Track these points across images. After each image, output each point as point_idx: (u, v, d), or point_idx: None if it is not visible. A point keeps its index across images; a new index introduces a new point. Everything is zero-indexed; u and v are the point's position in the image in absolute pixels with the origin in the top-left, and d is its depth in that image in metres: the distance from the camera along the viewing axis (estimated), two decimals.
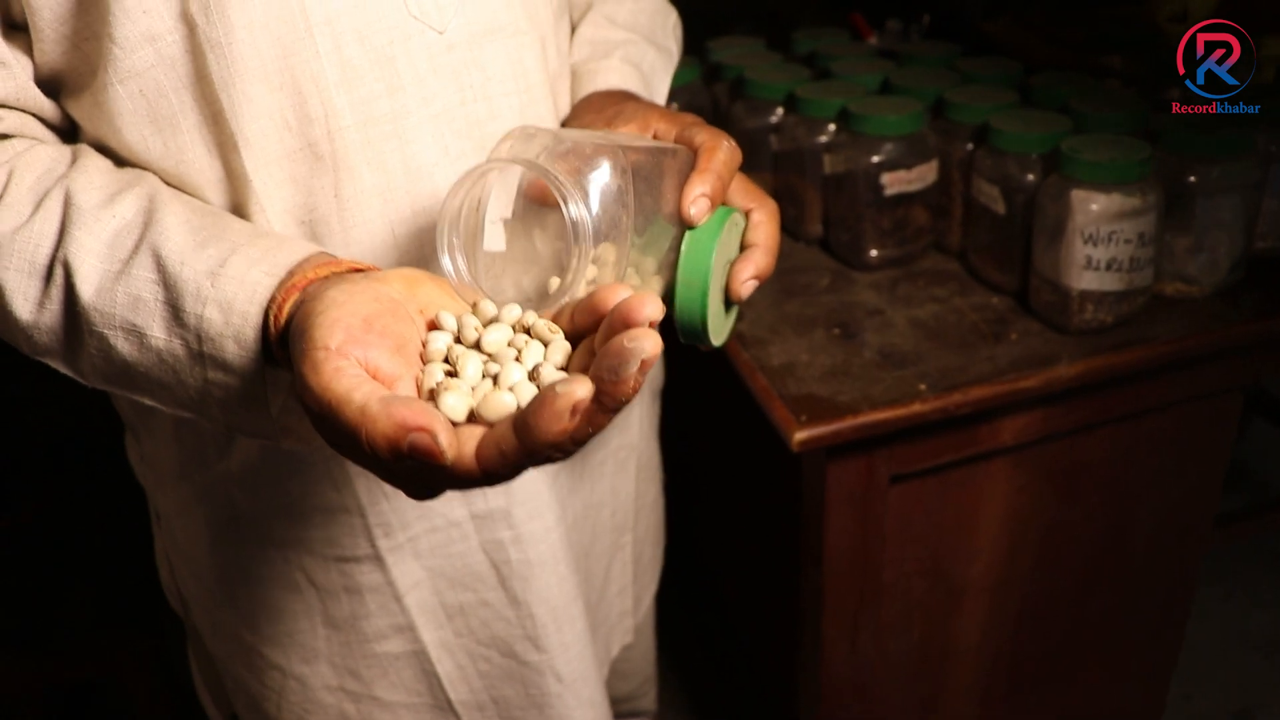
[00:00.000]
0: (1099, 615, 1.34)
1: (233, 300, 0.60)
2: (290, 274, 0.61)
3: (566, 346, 0.55)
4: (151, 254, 0.63)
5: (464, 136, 0.74)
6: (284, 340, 0.59)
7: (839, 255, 1.27)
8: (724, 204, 0.70)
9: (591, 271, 0.59)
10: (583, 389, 0.46)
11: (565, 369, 0.54)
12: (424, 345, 0.56)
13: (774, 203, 0.73)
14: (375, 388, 0.49)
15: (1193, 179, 1.08)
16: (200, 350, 0.62)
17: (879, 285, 1.21)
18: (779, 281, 1.23)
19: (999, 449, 1.11)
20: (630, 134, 0.72)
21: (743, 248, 0.72)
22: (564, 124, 0.81)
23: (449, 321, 0.57)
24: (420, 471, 0.49)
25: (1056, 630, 1.33)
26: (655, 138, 0.73)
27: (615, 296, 0.52)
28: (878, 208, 1.20)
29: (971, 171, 1.17)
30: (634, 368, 0.46)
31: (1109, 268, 1.04)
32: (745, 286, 0.70)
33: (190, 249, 0.62)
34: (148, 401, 0.68)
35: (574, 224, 0.57)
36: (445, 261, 0.59)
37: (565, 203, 0.57)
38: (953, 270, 1.23)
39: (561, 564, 0.91)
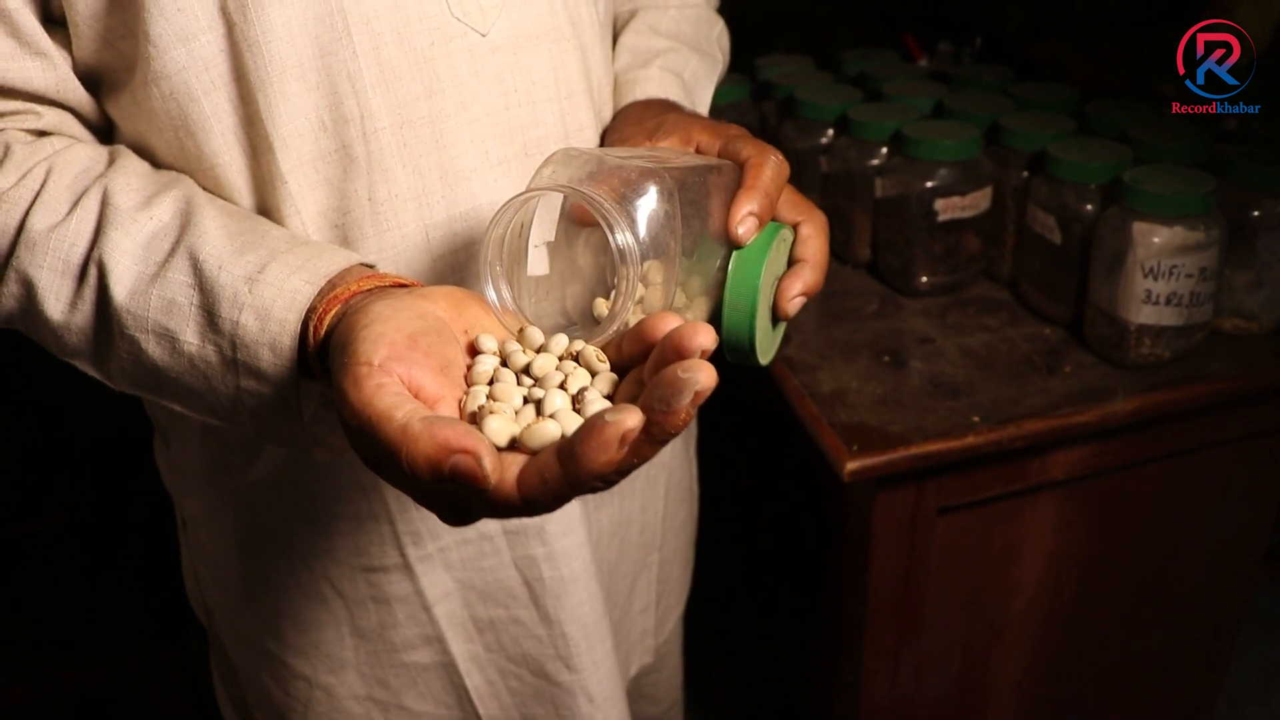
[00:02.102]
0: (1140, 653, 1.29)
1: (270, 307, 0.57)
2: (332, 284, 0.58)
3: (613, 377, 0.51)
4: (188, 257, 0.60)
5: (505, 141, 0.71)
6: (322, 352, 0.56)
7: (888, 280, 1.23)
8: (772, 218, 0.67)
9: (639, 291, 0.56)
10: (633, 418, 0.42)
11: (611, 399, 0.50)
12: (468, 368, 0.53)
13: (822, 215, 0.70)
14: (417, 407, 0.46)
15: (1256, 213, 1.03)
16: (234, 357, 0.59)
17: (928, 312, 1.17)
18: (826, 305, 1.19)
19: (1048, 482, 1.07)
20: (672, 148, 0.69)
21: (790, 262, 0.69)
22: (604, 133, 0.78)
23: (494, 345, 0.54)
24: (459, 495, 0.46)
25: (1097, 667, 1.28)
26: (698, 150, 0.69)
27: (665, 325, 0.48)
28: (929, 233, 1.16)
29: (1026, 199, 1.12)
30: (687, 399, 0.42)
31: (1169, 302, 0.99)
32: (793, 304, 0.67)
33: (228, 254, 0.59)
34: (177, 408, 0.65)
35: (621, 252, 0.53)
36: (490, 292, 0.56)
37: (612, 231, 0.53)
38: (1003, 299, 1.19)
39: (592, 580, 0.88)
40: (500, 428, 0.47)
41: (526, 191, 0.55)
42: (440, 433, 0.44)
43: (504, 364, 0.53)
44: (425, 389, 0.49)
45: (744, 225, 0.62)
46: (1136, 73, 1.39)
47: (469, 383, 0.52)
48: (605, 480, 0.44)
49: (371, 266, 0.63)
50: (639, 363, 0.50)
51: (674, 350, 0.45)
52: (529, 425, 0.46)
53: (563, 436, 0.46)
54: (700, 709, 1.65)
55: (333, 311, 0.56)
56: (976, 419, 0.98)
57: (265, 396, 0.59)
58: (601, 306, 0.63)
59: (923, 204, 1.14)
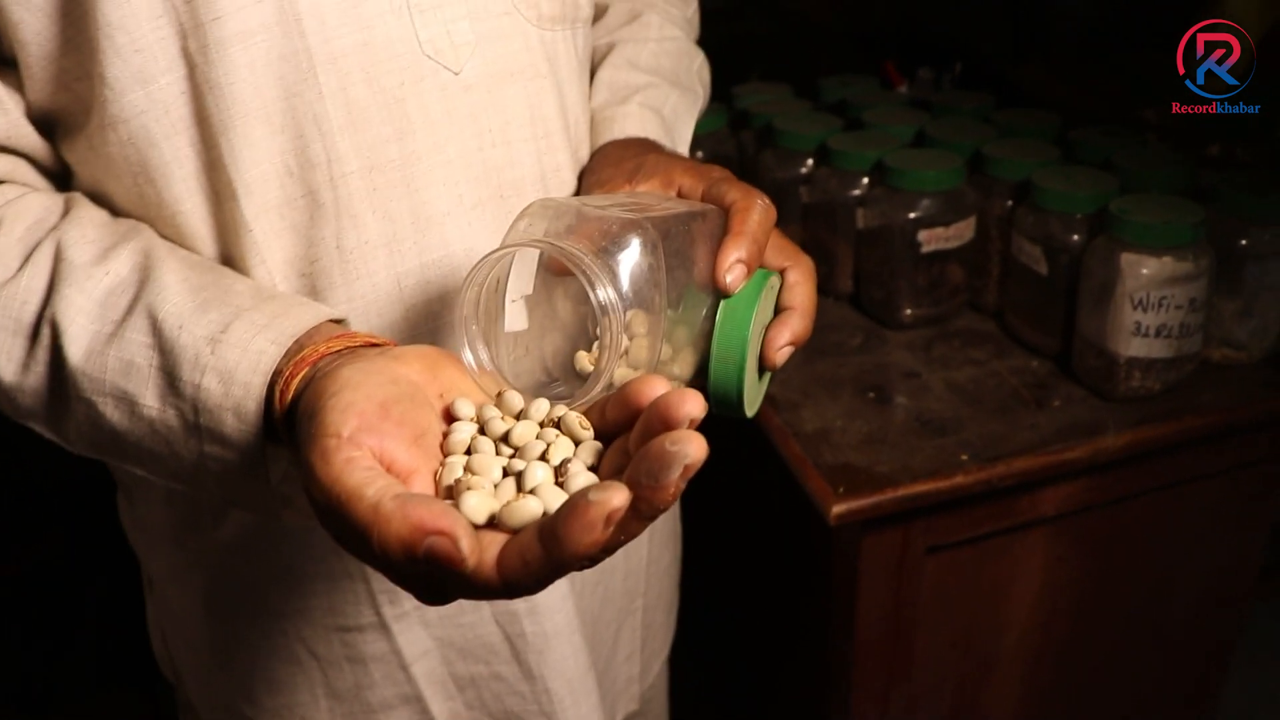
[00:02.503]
0: (1133, 685, 1.27)
1: (234, 370, 0.55)
2: (299, 345, 0.55)
3: (598, 446, 0.49)
4: (147, 316, 0.57)
5: (479, 184, 0.68)
6: (289, 418, 0.53)
7: (871, 313, 1.21)
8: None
9: (623, 346, 0.54)
10: (619, 497, 0.40)
11: (595, 469, 0.48)
12: (444, 435, 0.51)
13: (809, 260, 0.68)
14: (390, 483, 0.44)
15: (1244, 242, 1.02)
16: (196, 422, 0.56)
17: (913, 345, 1.15)
18: (809, 340, 1.17)
19: (1038, 519, 1.05)
20: (653, 193, 0.67)
21: (777, 309, 0.66)
22: (582, 174, 0.75)
23: (471, 411, 0.51)
24: (435, 577, 0.44)
25: (1089, 700, 1.26)
26: (680, 194, 0.67)
27: (651, 391, 0.46)
28: (913, 265, 1.14)
29: (1011, 229, 1.11)
30: (676, 473, 0.40)
31: (1158, 334, 0.98)
32: (781, 354, 0.65)
33: (189, 311, 0.57)
34: (139, 471, 0.63)
35: (604, 309, 0.51)
36: (467, 355, 0.53)
37: (593, 288, 0.51)
38: (989, 331, 1.17)
39: (576, 634, 0.85)
40: (478, 504, 0.44)
41: (502, 248, 0.52)
42: (414, 512, 0.41)
43: (482, 431, 0.51)
44: (398, 462, 0.47)
45: (732, 273, 0.60)
46: (1118, 97, 1.38)
47: (445, 452, 0.50)
48: (590, 560, 0.42)
49: (342, 322, 0.60)
50: (624, 429, 0.48)
51: (660, 420, 0.43)
52: (509, 503, 0.44)
53: (545, 514, 0.44)
54: None
55: (300, 375, 0.53)
56: (965, 457, 0.96)
57: (230, 462, 0.57)
58: (584, 361, 0.61)
59: (906, 235, 1.12)
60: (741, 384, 0.61)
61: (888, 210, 1.13)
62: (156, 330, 0.57)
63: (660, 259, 0.54)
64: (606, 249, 0.53)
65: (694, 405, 0.43)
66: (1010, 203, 1.13)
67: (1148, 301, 0.96)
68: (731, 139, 1.39)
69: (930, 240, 1.12)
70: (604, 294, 0.51)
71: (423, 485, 0.47)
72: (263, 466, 0.56)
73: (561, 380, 0.61)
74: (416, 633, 0.80)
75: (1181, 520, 1.14)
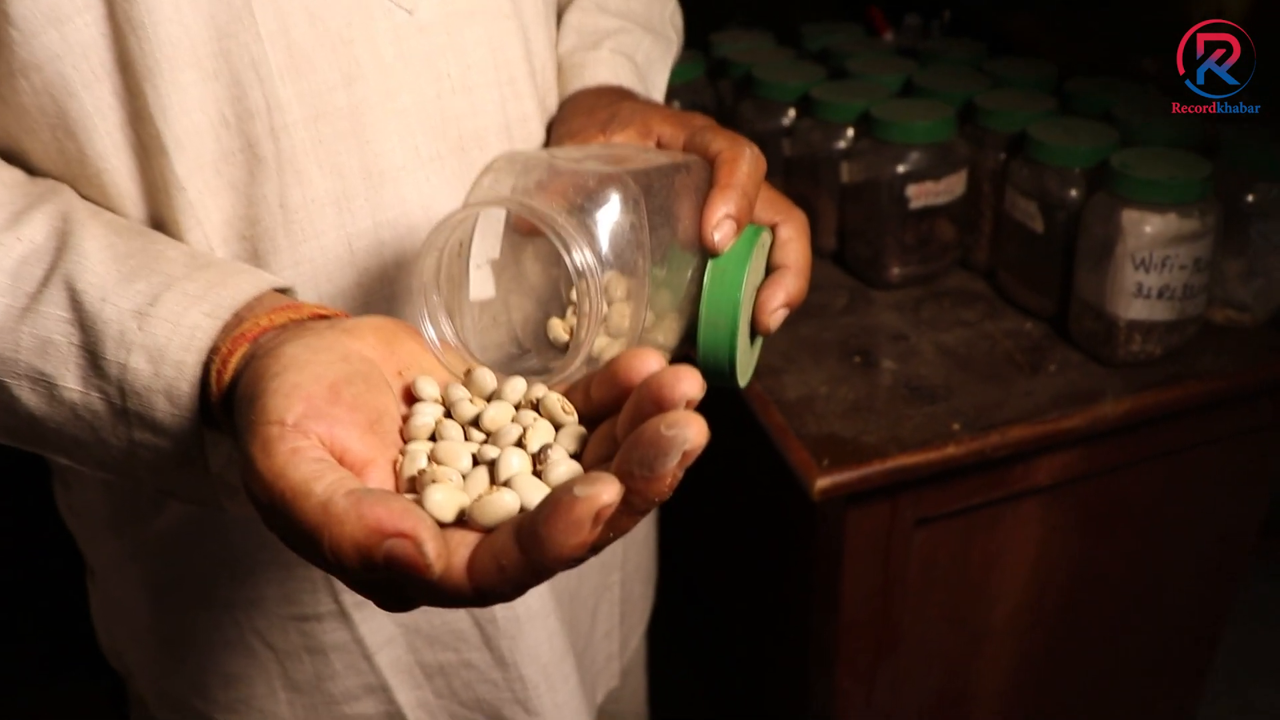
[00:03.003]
0: (1124, 655, 1.24)
1: (164, 347, 0.49)
2: (238, 318, 0.50)
3: (581, 430, 0.43)
4: (65, 287, 0.51)
5: (437, 135, 0.63)
6: (227, 402, 0.48)
7: (856, 272, 1.16)
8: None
9: (602, 312, 0.48)
10: (609, 491, 0.35)
11: (578, 456, 0.43)
12: (404, 419, 0.45)
13: (802, 214, 0.63)
14: (341, 477, 0.39)
15: (1251, 198, 0.97)
16: (124, 406, 0.50)
17: (901, 306, 1.10)
18: None
19: (1032, 489, 1.01)
20: (630, 144, 0.61)
21: (769, 268, 0.61)
22: (551, 126, 0.69)
23: (435, 391, 0.46)
24: (396, 583, 0.39)
25: (1079, 672, 1.23)
26: (659, 145, 0.61)
27: (642, 367, 0.41)
28: (901, 221, 1.09)
29: (1005, 184, 1.06)
30: (673, 461, 0.35)
31: (1160, 295, 0.93)
32: (775, 317, 0.59)
33: (113, 282, 0.50)
34: (63, 460, 0.57)
35: (581, 274, 0.46)
36: (428, 329, 0.48)
37: (569, 252, 0.46)
38: (980, 290, 1.12)
39: (551, 617, 0.81)
40: (445, 500, 0.39)
41: (465, 208, 0.47)
42: (370, 511, 0.36)
43: (448, 414, 0.46)
44: (351, 451, 0.41)
45: (720, 230, 0.54)
46: (1114, 47, 1.33)
47: (405, 439, 0.45)
48: (575, 563, 0.37)
49: (287, 291, 0.54)
50: (611, 411, 0.42)
51: (653, 400, 0.38)
52: (480, 497, 0.39)
53: (522, 510, 0.39)
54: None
55: (239, 352, 0.47)
56: (957, 426, 0.92)
57: (163, 450, 0.51)
58: (558, 329, 0.56)
59: (893, 190, 1.07)
60: (734, 351, 0.56)
61: (874, 164, 1.08)
62: (76, 303, 0.51)
63: (643, 216, 0.49)
64: (582, 207, 0.48)
65: (691, 384, 0.38)
66: (1003, 156, 1.08)
67: (1150, 261, 0.92)
68: (709, 89, 1.33)
69: (919, 195, 1.07)
70: (580, 257, 0.46)
71: (380, 478, 0.42)
72: (200, 455, 0.51)
73: (534, 352, 0.56)
74: (379, 620, 0.75)
75: (1178, 488, 1.10)
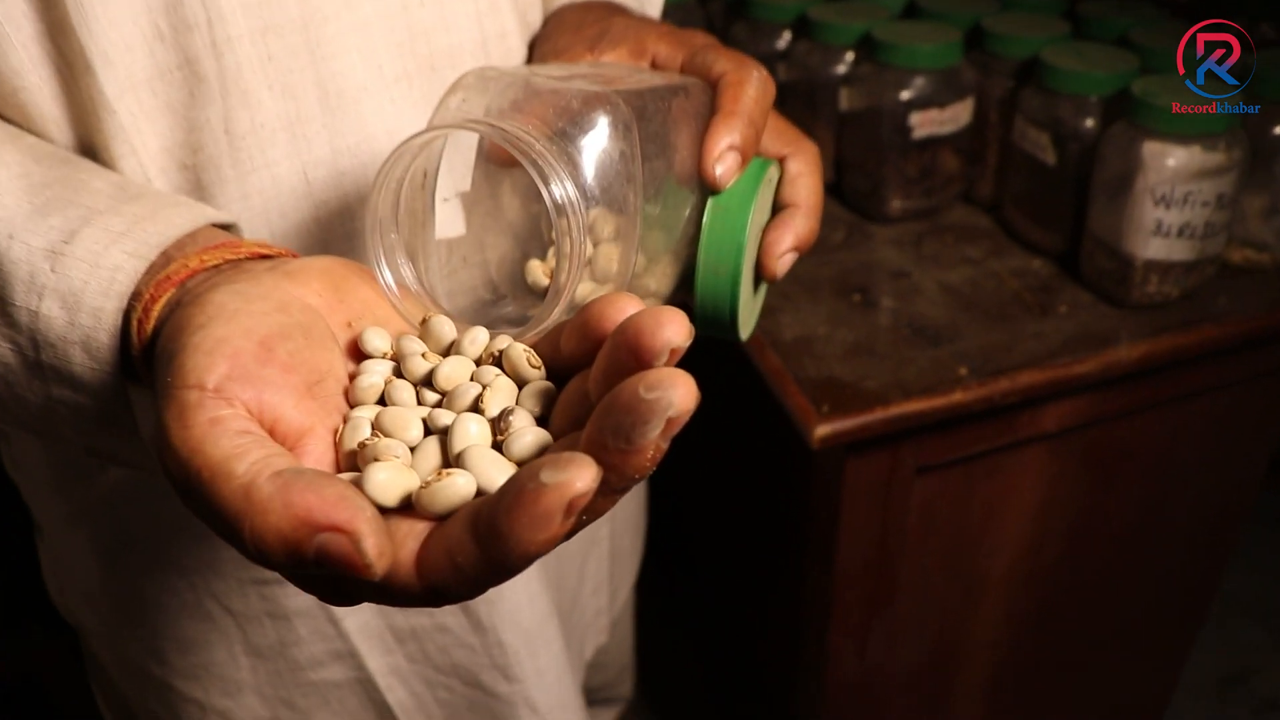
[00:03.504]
0: (1121, 602, 1.19)
1: (80, 292, 0.42)
2: (166, 258, 0.43)
3: (548, 388, 0.37)
4: None
5: (404, 52, 0.55)
6: (149, 358, 0.41)
7: (854, 205, 1.09)
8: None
9: (587, 255, 0.42)
10: (582, 477, 0.28)
11: (545, 420, 0.36)
12: (350, 378, 0.39)
13: (813, 146, 0.56)
14: (268, 454, 0.32)
15: (1278, 130, 0.90)
16: (37, 359, 0.44)
17: (901, 241, 1.03)
18: None
19: (1038, 435, 0.95)
20: (621, 63, 0.54)
21: (776, 206, 0.54)
22: (533, 44, 0.62)
23: (385, 344, 0.39)
24: (334, 580, 0.33)
25: (1076, 621, 1.18)
26: (654, 65, 0.54)
27: (618, 311, 0.34)
28: (902, 152, 1.02)
29: (1014, 113, 0.99)
30: (655, 430, 0.29)
31: (1180, 234, 0.87)
32: (782, 262, 0.53)
33: (24, 215, 0.43)
34: None
35: (559, 209, 0.39)
36: (385, 273, 0.41)
37: (546, 184, 0.39)
38: (984, 226, 1.05)
39: (533, 580, 0.75)
40: (388, 481, 0.33)
41: (427, 130, 0.40)
42: (299, 499, 0.30)
43: (399, 373, 0.39)
44: (284, 420, 0.35)
45: (723, 164, 0.48)
46: None
47: (351, 402, 0.38)
48: (541, 556, 0.30)
49: (230, 228, 0.47)
50: (585, 364, 0.36)
51: (630, 350, 0.31)
52: (429, 483, 0.32)
53: (479, 493, 0.33)
54: (648, 667, 1.53)
55: (162, 299, 0.41)
56: (963, 371, 0.85)
57: (84, 408, 0.44)
58: (537, 271, 0.49)
59: (896, 118, 1.00)
60: (736, 300, 0.49)
61: (875, 90, 1.00)
62: None
63: (634, 144, 0.42)
64: (564, 131, 0.41)
65: (675, 328, 0.31)
66: (1012, 83, 1.00)
67: (1171, 197, 0.85)
68: (699, 10, 1.25)
69: (923, 124, 1.00)
70: (560, 190, 0.39)
71: (319, 453, 0.36)
72: (126, 414, 0.44)
73: (510, 297, 0.50)
74: None
75: (1185, 435, 1.04)
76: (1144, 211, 0.86)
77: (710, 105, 0.50)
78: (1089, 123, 0.92)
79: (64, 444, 0.49)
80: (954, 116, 1.01)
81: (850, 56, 1.06)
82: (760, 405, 0.94)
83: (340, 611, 0.70)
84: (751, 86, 0.50)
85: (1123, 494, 1.06)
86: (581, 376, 0.35)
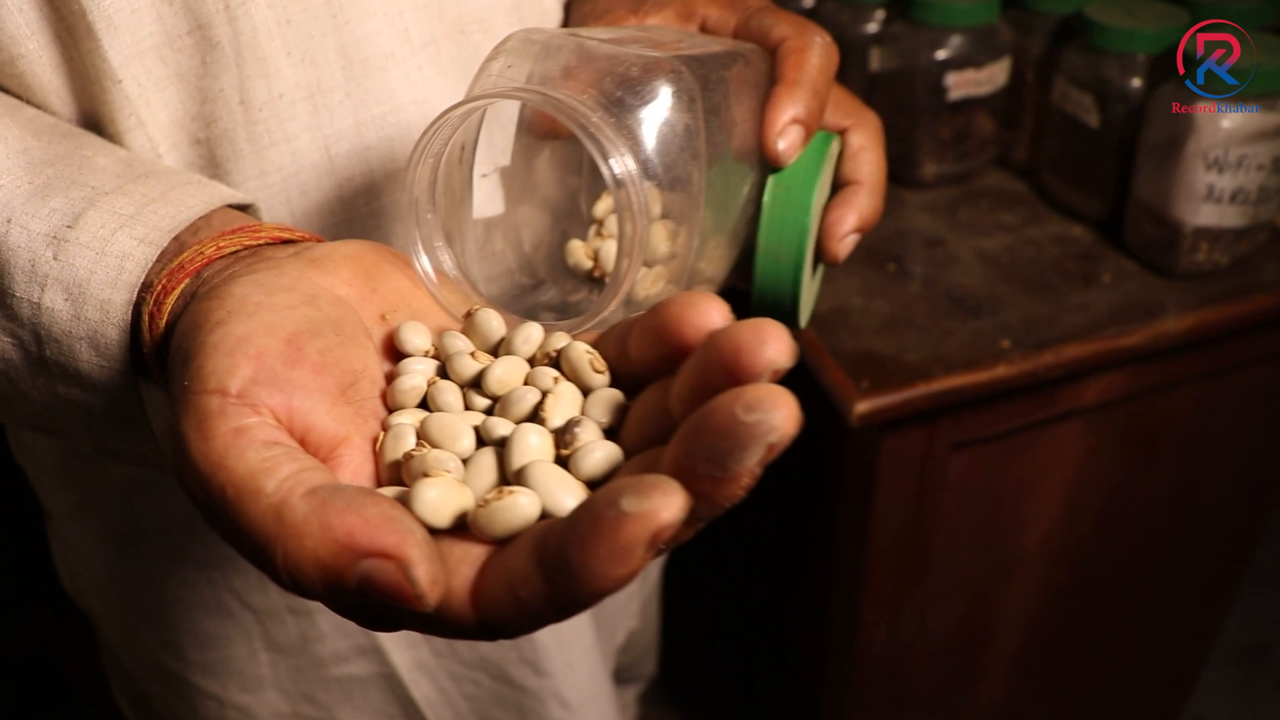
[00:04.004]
0: (1153, 577, 1.16)
1: (86, 282, 0.38)
2: (179, 244, 0.39)
3: (617, 397, 0.33)
4: None
5: (432, 14, 0.51)
6: (162, 356, 0.37)
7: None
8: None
9: (649, 239, 0.37)
10: (669, 507, 0.25)
11: (614, 432, 0.32)
12: (387, 379, 0.35)
13: (875, 117, 0.52)
14: (301, 468, 0.28)
15: None
16: (41, 355, 0.40)
17: (934, 208, 0.99)
18: None
19: (1077, 410, 0.91)
20: (668, 27, 0.49)
21: (836, 182, 0.50)
22: (569, 6, 0.57)
23: (426, 342, 0.35)
24: (375, 608, 0.29)
25: (1106, 595, 1.14)
26: (704, 29, 0.50)
27: (703, 317, 0.30)
28: (936, 114, 0.97)
29: (1054, 73, 0.94)
30: (755, 457, 0.25)
31: (1233, 200, 0.82)
32: (845, 245, 0.49)
33: (24, 196, 0.39)
34: None
35: (620, 188, 0.35)
36: (422, 260, 0.37)
37: (605, 158, 0.34)
38: (1019, 191, 1.01)
39: None
40: (439, 500, 0.29)
41: (470, 99, 0.36)
42: (339, 521, 0.26)
43: (444, 372, 0.35)
44: (316, 428, 0.31)
45: (786, 138, 0.43)
46: None
47: (389, 406, 0.34)
48: (613, 594, 0.26)
49: (248, 209, 0.43)
50: (655, 371, 0.32)
51: (725, 369, 0.27)
52: (488, 501, 0.28)
53: (543, 515, 0.29)
54: (678, 657, 1.50)
55: (176, 290, 0.36)
56: (1007, 344, 0.81)
57: (94, 407, 0.40)
58: (579, 253, 0.45)
59: (930, 79, 0.95)
60: (798, 286, 0.45)
61: (909, 49, 0.96)
62: None
63: (699, 117, 0.38)
64: (622, 101, 0.36)
65: (779, 347, 0.27)
66: (1051, 42, 0.96)
67: (1224, 161, 0.81)
68: None
69: (959, 85, 0.95)
70: (620, 167, 0.34)
71: (356, 464, 0.32)
72: (139, 413, 0.40)
73: (549, 281, 0.45)
74: None
75: (1224, 408, 1.00)
76: (1195, 176, 0.82)
77: (769, 74, 0.45)
78: (1135, 82, 0.87)
79: (73, 442, 0.45)
80: (990, 77, 0.96)
81: (881, 15, 1.01)
82: (791, 377, 0.90)
83: None
84: (815, 53, 0.45)
85: (1159, 468, 1.02)
86: (658, 388, 0.31)
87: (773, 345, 0.27)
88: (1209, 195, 0.82)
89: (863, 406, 0.77)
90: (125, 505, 0.62)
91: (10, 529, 1.26)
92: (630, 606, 0.92)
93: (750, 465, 0.25)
